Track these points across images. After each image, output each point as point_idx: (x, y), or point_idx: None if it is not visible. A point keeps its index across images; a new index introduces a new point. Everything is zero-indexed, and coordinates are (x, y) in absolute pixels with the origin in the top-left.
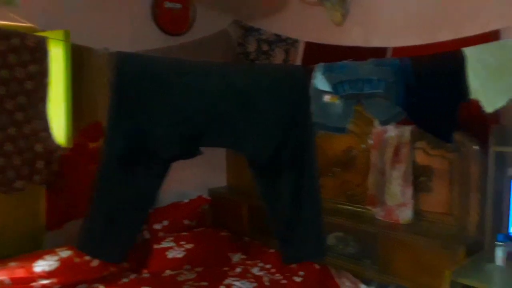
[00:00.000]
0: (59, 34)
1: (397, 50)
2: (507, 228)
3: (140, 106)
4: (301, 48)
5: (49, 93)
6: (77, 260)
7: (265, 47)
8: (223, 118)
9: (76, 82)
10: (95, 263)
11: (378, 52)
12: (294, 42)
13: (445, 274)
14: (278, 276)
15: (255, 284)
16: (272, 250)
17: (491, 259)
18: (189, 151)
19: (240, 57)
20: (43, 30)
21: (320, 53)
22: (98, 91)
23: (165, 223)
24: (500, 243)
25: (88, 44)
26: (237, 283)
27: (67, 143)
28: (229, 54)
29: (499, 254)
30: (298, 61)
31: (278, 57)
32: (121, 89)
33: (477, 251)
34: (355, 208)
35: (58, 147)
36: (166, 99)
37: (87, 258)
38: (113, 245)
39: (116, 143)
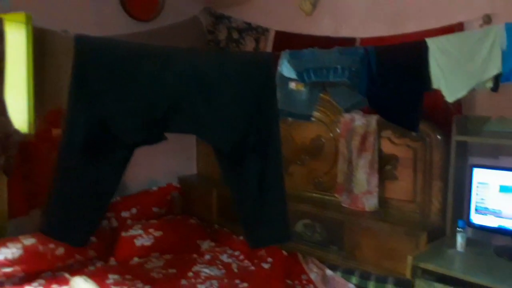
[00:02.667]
0: (21, 16)
1: (365, 41)
2: (468, 214)
3: (101, 91)
4: (271, 37)
5: (6, 77)
6: (41, 248)
7: (235, 35)
8: (187, 104)
9: (40, 66)
10: (60, 251)
11: (346, 42)
12: (265, 31)
13: (407, 259)
14: (246, 263)
15: (223, 271)
16: (241, 238)
17: (452, 244)
18: (153, 137)
19: (210, 45)
20: (3, 13)
21: (290, 42)
22: (62, 76)
23: (134, 211)
24: (460, 229)
25: (52, 28)
26: (205, 270)
27: (30, 130)
28: (199, 41)
29: (459, 240)
30: (268, 50)
31: (249, 45)
32: (80, 74)
33: (439, 237)
34: (322, 196)
35: (16, 131)
36: (128, 84)
37: (51, 246)
38: (75, 229)
39: (76, 129)
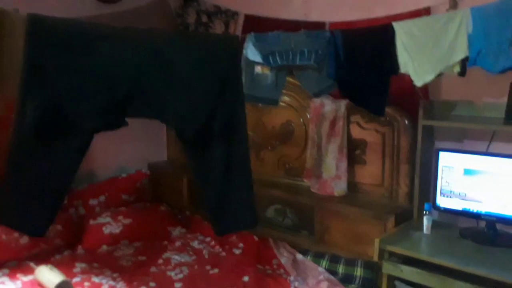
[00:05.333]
0: None
1: (334, 25)
2: (434, 198)
3: (55, 73)
4: (240, 20)
5: None
6: (5, 237)
7: (204, 19)
8: (148, 87)
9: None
10: (24, 240)
11: (316, 26)
12: (234, 14)
13: (375, 242)
14: (217, 249)
15: (194, 257)
16: None
17: (419, 227)
18: (112, 122)
19: (179, 29)
20: None
21: (260, 26)
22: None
23: (102, 198)
24: (426, 212)
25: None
26: (176, 257)
27: None
28: (167, 25)
29: (426, 222)
30: (238, 34)
31: (218, 29)
32: (32, 55)
33: (407, 220)
34: (293, 181)
35: None
36: (85, 66)
37: (16, 235)
38: (31, 218)
39: (29, 114)
